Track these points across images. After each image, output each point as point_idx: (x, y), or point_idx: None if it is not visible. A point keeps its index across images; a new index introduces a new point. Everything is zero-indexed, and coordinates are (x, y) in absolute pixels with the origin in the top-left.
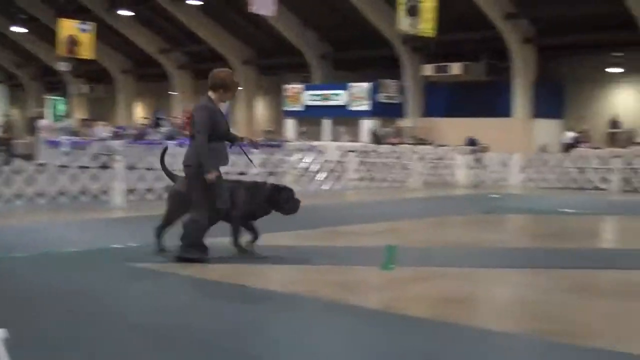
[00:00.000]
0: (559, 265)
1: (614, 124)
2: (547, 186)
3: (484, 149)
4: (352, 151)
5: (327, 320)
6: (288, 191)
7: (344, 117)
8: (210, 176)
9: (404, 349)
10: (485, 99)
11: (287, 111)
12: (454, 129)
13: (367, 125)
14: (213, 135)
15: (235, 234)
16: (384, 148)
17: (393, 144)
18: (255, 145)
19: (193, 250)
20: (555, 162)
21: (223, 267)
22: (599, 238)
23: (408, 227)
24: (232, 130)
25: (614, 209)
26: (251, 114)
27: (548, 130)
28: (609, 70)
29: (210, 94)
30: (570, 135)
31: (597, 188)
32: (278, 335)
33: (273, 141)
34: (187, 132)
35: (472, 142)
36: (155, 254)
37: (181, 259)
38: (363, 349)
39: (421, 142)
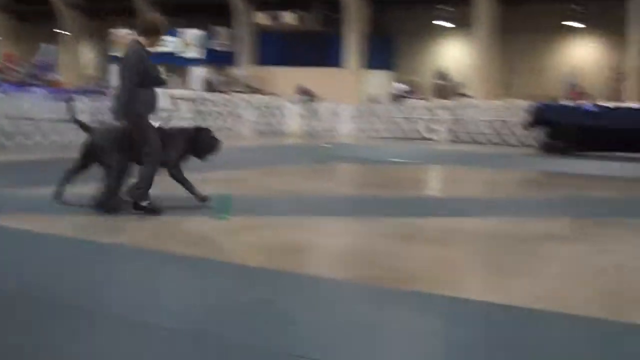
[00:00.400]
0: (387, 213)
1: (441, 76)
2: (377, 136)
3: (316, 99)
4: (184, 99)
5: (157, 272)
6: (208, 132)
7: (175, 65)
8: (124, 125)
9: (238, 298)
10: (318, 49)
11: (114, 57)
12: (288, 78)
13: (199, 73)
14: (145, 82)
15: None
16: (216, 96)
17: (226, 92)
18: None
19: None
20: (385, 113)
21: (67, 220)
22: (425, 187)
23: (241, 176)
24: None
25: (440, 159)
26: (77, 58)
27: (378, 82)
28: (438, 23)
29: (141, 39)
30: (399, 86)
31: (424, 138)
32: (101, 286)
33: (99, 88)
34: (6, 77)
35: (304, 92)
36: (54, 201)
37: (139, 207)
38: (196, 299)
39: (254, 90)
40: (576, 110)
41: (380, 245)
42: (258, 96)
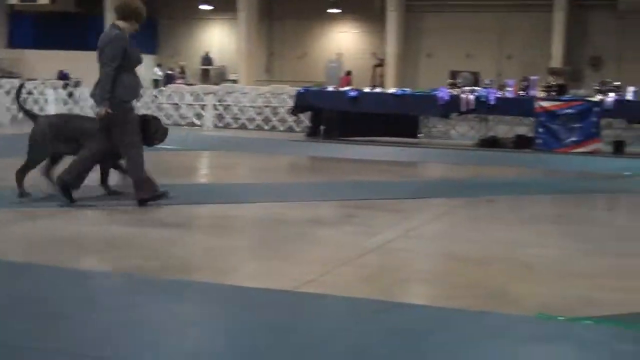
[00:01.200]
0: (158, 202)
1: (207, 60)
2: None
3: (77, 83)
4: None
5: None
6: (157, 121)
7: None
8: (101, 111)
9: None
10: (77, 31)
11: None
12: (45, 61)
13: None
14: (126, 67)
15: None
16: None
17: None
18: None
19: (144, 191)
20: (149, 98)
21: None
22: (195, 174)
23: (11, 164)
24: None
25: (209, 145)
26: None
27: (143, 65)
28: (202, 7)
29: (120, 23)
30: (163, 71)
31: (191, 124)
32: None
33: None
34: None
35: (64, 76)
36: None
37: (143, 202)
38: None
39: (8, 74)
40: (337, 95)
41: (154, 235)
42: (12, 80)
